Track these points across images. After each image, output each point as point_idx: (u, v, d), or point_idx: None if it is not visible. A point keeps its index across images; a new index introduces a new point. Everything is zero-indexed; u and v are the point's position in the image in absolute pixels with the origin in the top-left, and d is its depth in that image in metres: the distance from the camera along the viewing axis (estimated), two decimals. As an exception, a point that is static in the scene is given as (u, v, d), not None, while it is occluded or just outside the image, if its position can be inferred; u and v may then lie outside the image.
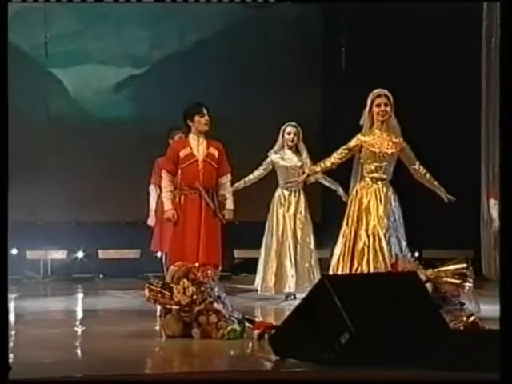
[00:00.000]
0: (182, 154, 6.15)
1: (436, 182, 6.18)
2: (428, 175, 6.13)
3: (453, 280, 4.80)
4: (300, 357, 3.85)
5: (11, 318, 5.95)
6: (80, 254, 9.83)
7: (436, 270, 4.92)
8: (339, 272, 5.66)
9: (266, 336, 4.45)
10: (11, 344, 4.54)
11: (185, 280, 4.83)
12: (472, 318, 4.62)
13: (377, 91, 5.91)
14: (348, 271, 5.63)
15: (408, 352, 3.69)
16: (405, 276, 4.54)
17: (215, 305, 4.82)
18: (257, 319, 5.27)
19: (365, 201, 5.86)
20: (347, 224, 5.88)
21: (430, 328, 3.98)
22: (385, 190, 5.91)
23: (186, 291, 4.79)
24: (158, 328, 5.10)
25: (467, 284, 4.81)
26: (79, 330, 5.39)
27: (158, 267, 7.67)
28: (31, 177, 9.40)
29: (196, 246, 6.00)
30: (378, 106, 5.85)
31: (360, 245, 5.74)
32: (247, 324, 4.87)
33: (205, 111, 6.19)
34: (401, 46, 9.68)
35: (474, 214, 10.00)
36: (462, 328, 4.52)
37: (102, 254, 9.85)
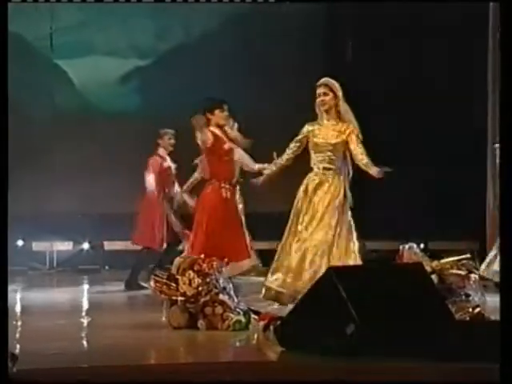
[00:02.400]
0: (226, 146, 6.31)
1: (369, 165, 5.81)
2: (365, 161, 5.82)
3: (458, 271, 4.81)
4: (305, 348, 3.85)
5: (17, 309, 5.98)
6: (86, 246, 9.85)
7: (442, 261, 4.92)
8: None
9: (272, 327, 4.46)
10: (17, 335, 4.56)
11: (190, 271, 4.84)
12: (477, 309, 4.62)
13: (319, 81, 5.92)
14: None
15: (413, 343, 3.69)
16: (410, 267, 4.54)
17: (221, 296, 4.82)
18: (262, 310, 5.28)
19: (310, 190, 5.84)
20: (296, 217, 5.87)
21: (436, 319, 3.98)
22: (330, 180, 5.84)
23: (192, 282, 4.80)
24: (163, 319, 5.11)
25: (473, 275, 4.81)
26: (85, 321, 5.41)
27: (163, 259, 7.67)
28: (37, 168, 9.42)
29: (221, 239, 6.07)
30: (318, 96, 5.88)
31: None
32: (253, 315, 4.88)
33: (225, 107, 6.39)
34: (406, 38, 9.65)
35: (480, 205, 9.98)
36: (467, 319, 4.52)
37: (108, 245, 9.87)
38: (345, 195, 5.80)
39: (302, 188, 5.88)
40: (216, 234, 6.01)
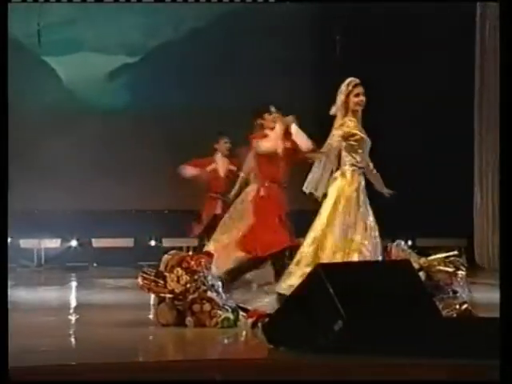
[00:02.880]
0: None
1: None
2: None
3: (446, 268, 4.83)
4: (293, 345, 3.86)
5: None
6: (74, 243, 9.83)
7: (429, 258, 4.94)
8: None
9: (260, 324, 4.47)
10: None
11: (178, 268, 4.84)
12: (465, 306, 4.65)
13: (354, 80, 5.79)
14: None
15: (401, 340, 3.71)
16: (398, 264, 4.56)
17: (209, 293, 4.82)
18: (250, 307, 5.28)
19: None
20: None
21: (424, 316, 4.00)
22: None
23: (180, 280, 4.80)
24: (151, 316, 5.11)
25: (460, 272, 4.83)
26: (73, 318, 5.40)
27: (151, 256, 7.69)
28: (25, 165, 9.40)
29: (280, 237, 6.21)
30: (357, 95, 5.77)
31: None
32: (241, 312, 4.89)
33: (273, 109, 6.43)
34: (394, 36, 9.68)
35: (467, 202, 10.03)
36: (454, 316, 4.54)
37: (96, 242, 9.85)
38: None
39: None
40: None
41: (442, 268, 4.83)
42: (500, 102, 3.86)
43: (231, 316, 4.78)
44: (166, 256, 5.04)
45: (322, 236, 5.48)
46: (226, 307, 4.83)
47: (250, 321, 4.70)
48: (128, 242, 9.91)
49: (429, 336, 3.74)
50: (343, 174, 5.62)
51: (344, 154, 5.68)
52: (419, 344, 3.67)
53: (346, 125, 5.70)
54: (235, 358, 3.96)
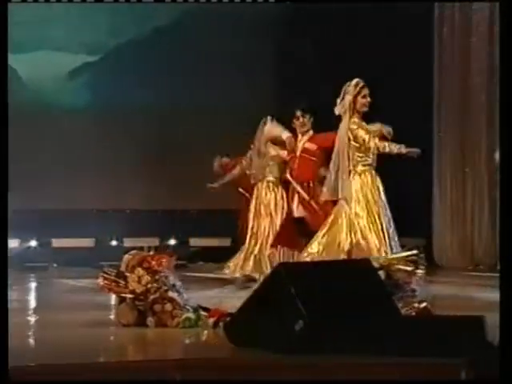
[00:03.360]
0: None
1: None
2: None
3: (405, 267, 4.88)
4: (254, 344, 3.87)
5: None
6: (33, 243, 9.73)
7: (389, 257, 4.99)
8: None
9: (221, 324, 4.47)
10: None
11: (139, 268, 4.82)
12: (423, 305, 4.70)
13: (361, 81, 5.84)
14: None
15: (361, 339, 3.74)
16: (358, 263, 4.59)
17: (170, 293, 4.81)
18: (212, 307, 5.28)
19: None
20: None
21: (383, 315, 4.04)
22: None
23: (141, 280, 4.78)
24: (112, 317, 5.08)
25: (419, 271, 4.89)
26: (33, 319, 5.35)
27: (113, 256, 7.64)
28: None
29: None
30: (365, 96, 5.81)
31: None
32: (202, 312, 4.88)
33: (299, 114, 6.68)
34: (354, 36, 9.75)
35: (426, 202, 10.15)
36: (413, 314, 4.60)
37: (56, 242, 9.76)
38: None
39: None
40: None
41: (401, 267, 4.88)
42: (500, 102, 3.91)
43: (192, 316, 4.78)
44: (126, 256, 5.01)
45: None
46: (188, 307, 4.82)
47: (211, 320, 4.70)
48: (89, 242, 9.84)
49: (388, 335, 3.78)
50: (361, 174, 5.73)
51: (357, 154, 5.77)
52: (379, 343, 3.70)
53: (364, 127, 5.80)
54: (196, 357, 3.96)
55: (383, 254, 5.55)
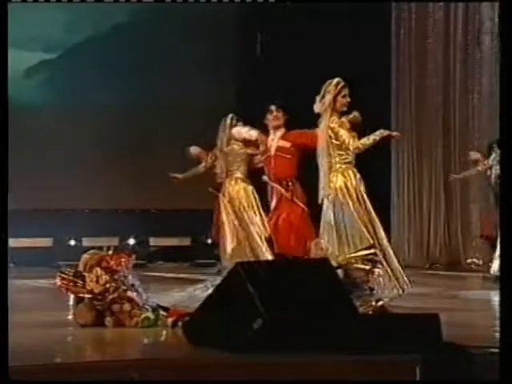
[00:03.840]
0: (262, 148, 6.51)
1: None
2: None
3: (363, 266, 4.93)
4: (213, 344, 3.87)
5: None
6: (-10, 243, 9.60)
7: (347, 256, 5.03)
8: None
9: (180, 323, 4.47)
10: None
11: (97, 268, 4.79)
12: (380, 303, 4.75)
13: (341, 81, 5.86)
14: None
15: (319, 337, 3.77)
16: (317, 262, 4.63)
17: (129, 293, 4.79)
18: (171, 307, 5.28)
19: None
20: None
21: (341, 313, 4.07)
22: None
23: (99, 279, 4.76)
24: (70, 317, 5.04)
25: (376, 270, 4.94)
26: (-12, 320, 5.27)
27: (71, 256, 7.58)
28: None
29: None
30: (344, 96, 5.83)
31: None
32: (161, 312, 4.87)
33: (273, 108, 6.49)
34: (316, 36, 9.80)
35: (385, 201, 10.25)
36: (370, 312, 4.65)
37: (14, 242, 9.63)
38: None
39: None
40: None
41: (359, 266, 4.93)
42: (500, 102, 3.96)
43: (151, 315, 4.77)
44: (84, 255, 4.98)
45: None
46: (146, 307, 4.81)
47: (170, 320, 4.69)
48: (47, 242, 9.74)
49: (346, 333, 3.81)
50: (343, 172, 5.76)
51: (338, 152, 5.79)
52: (337, 341, 3.73)
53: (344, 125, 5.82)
54: (154, 357, 3.95)
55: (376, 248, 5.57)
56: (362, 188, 5.74)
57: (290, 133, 6.53)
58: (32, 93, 9.89)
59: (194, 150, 7.42)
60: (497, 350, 3.60)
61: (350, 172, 5.76)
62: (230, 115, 7.07)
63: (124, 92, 9.78)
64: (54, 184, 9.60)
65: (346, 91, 5.80)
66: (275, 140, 6.48)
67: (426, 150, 9.94)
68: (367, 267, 4.91)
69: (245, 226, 6.74)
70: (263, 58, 10.24)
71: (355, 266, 4.94)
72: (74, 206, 10.00)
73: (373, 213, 5.64)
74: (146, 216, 10.14)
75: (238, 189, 6.92)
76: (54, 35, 9.95)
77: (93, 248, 6.10)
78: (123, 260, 4.92)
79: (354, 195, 5.64)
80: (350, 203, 5.55)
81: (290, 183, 6.37)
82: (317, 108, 5.82)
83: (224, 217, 6.88)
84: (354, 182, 5.71)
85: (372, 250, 5.03)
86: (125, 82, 9.82)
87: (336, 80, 5.79)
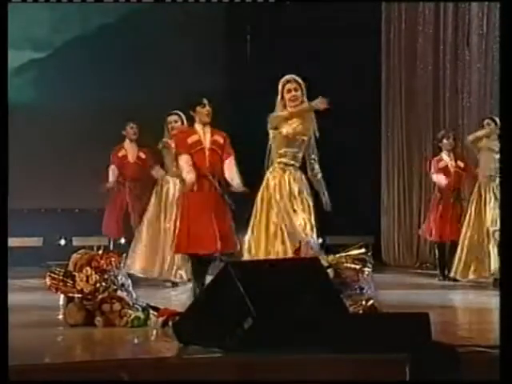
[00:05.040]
0: (189, 140, 6.20)
1: (323, 187, 5.99)
2: (319, 176, 5.99)
3: (353, 265, 4.93)
4: (203, 343, 3.88)
5: None
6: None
7: (337, 255, 5.04)
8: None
9: (170, 323, 4.47)
10: None
11: (88, 268, 4.79)
12: (370, 302, 4.76)
13: (287, 77, 5.86)
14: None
15: (310, 336, 3.77)
16: (307, 262, 4.63)
17: (119, 292, 4.79)
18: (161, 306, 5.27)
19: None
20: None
21: (331, 312, 4.08)
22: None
23: (89, 279, 4.75)
24: (61, 317, 5.03)
25: (366, 269, 4.95)
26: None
27: (61, 255, 7.56)
28: None
29: (213, 232, 6.01)
30: (289, 91, 5.80)
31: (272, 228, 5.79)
32: (151, 311, 4.87)
33: (205, 101, 6.30)
34: (306, 35, 9.81)
35: (375, 201, 10.28)
36: (360, 312, 4.66)
37: (3, 242, 9.60)
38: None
39: None
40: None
41: (349, 265, 4.94)
42: (500, 102, 3.98)
43: (141, 315, 4.76)
44: (74, 255, 4.97)
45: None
46: (137, 306, 4.81)
47: (160, 320, 4.69)
48: (36, 242, 9.71)
49: (336, 332, 3.82)
50: (286, 170, 5.77)
51: (284, 149, 5.81)
52: (327, 340, 3.74)
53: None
54: (145, 357, 3.95)
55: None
56: (304, 186, 5.77)
57: (218, 130, 6.34)
58: (21, 92, 9.86)
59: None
60: (483, 349, 3.63)
61: (293, 170, 5.78)
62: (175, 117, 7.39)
63: (112, 91, 9.75)
64: (44, 183, 9.57)
65: (289, 86, 5.80)
66: (208, 134, 6.25)
67: (416, 150, 9.97)
68: (357, 267, 4.92)
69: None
70: (252, 58, 10.24)
71: (345, 265, 4.95)
72: (63, 205, 9.98)
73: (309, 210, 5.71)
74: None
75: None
76: (43, 34, 9.93)
77: (83, 247, 6.11)
78: (113, 259, 4.92)
79: (296, 191, 5.67)
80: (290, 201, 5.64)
81: (221, 180, 6.20)
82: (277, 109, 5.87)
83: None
84: (297, 180, 5.76)
85: (363, 250, 5.05)
86: (113, 81, 9.80)
87: (283, 78, 5.83)
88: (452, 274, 7.78)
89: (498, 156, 7.36)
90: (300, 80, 5.84)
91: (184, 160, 6.12)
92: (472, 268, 7.59)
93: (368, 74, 9.84)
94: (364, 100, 9.77)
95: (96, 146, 9.38)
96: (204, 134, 6.24)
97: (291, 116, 5.81)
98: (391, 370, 3.53)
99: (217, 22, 10.33)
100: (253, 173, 6.21)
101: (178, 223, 6.31)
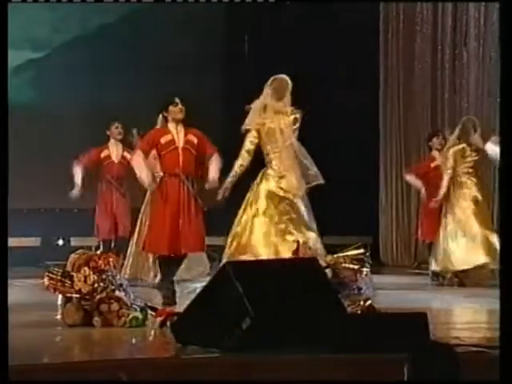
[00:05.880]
0: (163, 140, 6.15)
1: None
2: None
3: (351, 265, 4.94)
4: (202, 343, 3.88)
5: None
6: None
7: (335, 255, 5.04)
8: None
9: (168, 323, 4.47)
10: None
11: (86, 268, 4.79)
12: (368, 302, 4.77)
13: (277, 77, 6.00)
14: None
15: (308, 336, 3.78)
16: (305, 262, 4.63)
17: (117, 293, 4.79)
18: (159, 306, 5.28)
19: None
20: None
21: (330, 312, 4.08)
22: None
23: (87, 279, 4.75)
24: (59, 317, 5.03)
25: (364, 269, 4.96)
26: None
27: (59, 255, 7.56)
28: None
29: (177, 233, 5.98)
30: (271, 89, 5.96)
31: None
32: (149, 311, 4.87)
33: (177, 100, 6.24)
34: (303, 37, 9.81)
35: (373, 201, 10.28)
36: (358, 312, 4.66)
37: (1, 242, 9.59)
38: None
39: None
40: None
41: (347, 265, 4.94)
42: (500, 102, 3.99)
43: (139, 315, 4.76)
44: (73, 255, 4.97)
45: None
46: (135, 306, 4.80)
47: (158, 320, 4.69)
48: (34, 242, 9.70)
49: (335, 332, 3.82)
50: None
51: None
52: (325, 340, 3.74)
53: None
54: (143, 357, 3.95)
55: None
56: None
57: (191, 129, 6.26)
58: (19, 91, 9.85)
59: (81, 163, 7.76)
60: (480, 349, 3.64)
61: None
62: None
63: (111, 91, 9.75)
64: (42, 183, 9.56)
65: (274, 84, 6.01)
66: (182, 133, 6.18)
67: (414, 151, 9.98)
68: (356, 267, 4.92)
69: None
70: (250, 58, 10.24)
71: (343, 265, 4.95)
72: (62, 205, 9.97)
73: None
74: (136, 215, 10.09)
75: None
76: (42, 34, 9.92)
77: (81, 248, 6.11)
78: (111, 260, 4.92)
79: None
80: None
81: (194, 180, 6.16)
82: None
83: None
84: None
85: (361, 250, 5.06)
86: (111, 81, 9.80)
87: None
88: (433, 268, 7.80)
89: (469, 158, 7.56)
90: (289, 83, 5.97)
91: (134, 160, 6.22)
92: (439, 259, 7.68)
93: (366, 74, 9.84)
94: (362, 100, 9.77)
95: (94, 146, 9.36)
96: (177, 134, 6.18)
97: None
98: (389, 370, 3.53)
99: (214, 22, 10.33)
100: (250, 170, 6.23)
101: (147, 222, 6.33)
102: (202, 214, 6.17)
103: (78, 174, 8.07)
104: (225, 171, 6.41)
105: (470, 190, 7.61)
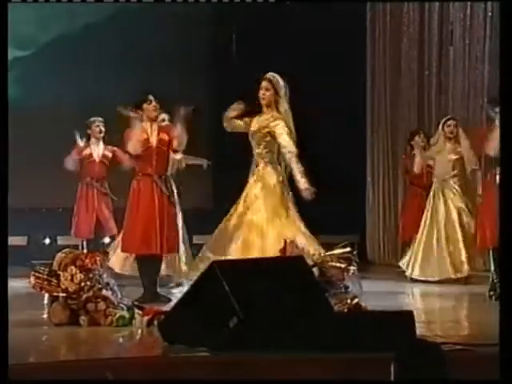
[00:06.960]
0: (138, 139, 6.12)
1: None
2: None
3: (338, 264, 4.95)
4: (189, 342, 3.87)
5: None
6: None
7: (322, 254, 5.06)
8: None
9: (156, 322, 4.46)
10: None
11: (72, 267, 4.78)
12: (355, 301, 4.78)
13: (265, 75, 5.98)
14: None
15: (295, 335, 3.78)
16: (292, 260, 4.64)
17: (104, 292, 4.78)
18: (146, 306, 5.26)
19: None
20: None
21: (317, 311, 4.09)
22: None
23: (74, 278, 4.74)
24: (45, 316, 5.01)
25: (351, 268, 4.97)
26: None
27: (46, 254, 7.54)
28: None
29: (151, 234, 5.98)
30: (260, 89, 5.96)
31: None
32: (136, 310, 4.86)
33: (151, 98, 6.21)
34: (291, 37, 9.82)
35: (360, 200, 10.30)
36: (345, 310, 4.67)
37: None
38: None
39: None
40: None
41: (334, 264, 4.95)
42: (500, 102, 4.00)
43: (126, 314, 4.76)
44: (59, 254, 4.96)
45: None
46: (122, 305, 4.80)
47: (145, 319, 4.68)
48: (21, 241, 9.66)
49: (322, 331, 3.83)
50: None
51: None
52: (312, 339, 3.75)
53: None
54: (129, 356, 3.94)
55: None
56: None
57: (163, 126, 6.25)
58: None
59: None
60: (465, 348, 3.66)
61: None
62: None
63: (99, 89, 9.72)
64: (28, 182, 9.51)
65: (263, 83, 5.96)
66: (155, 132, 6.13)
67: (401, 149, 10.00)
68: (342, 265, 4.93)
69: None
70: (238, 57, 10.24)
71: (330, 264, 4.96)
72: (48, 204, 9.94)
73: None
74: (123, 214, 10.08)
75: None
76: (27, 32, 9.87)
77: (68, 247, 6.09)
78: (98, 259, 4.91)
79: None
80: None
81: (166, 180, 6.14)
82: None
83: None
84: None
85: (348, 249, 5.07)
86: (97, 79, 9.77)
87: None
88: (408, 272, 7.86)
89: (453, 157, 7.57)
90: (275, 80, 5.94)
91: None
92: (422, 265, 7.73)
93: (353, 73, 9.86)
94: (349, 99, 9.79)
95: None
96: (151, 133, 6.15)
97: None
98: (376, 369, 3.54)
99: (201, 22, 10.31)
100: (245, 172, 6.22)
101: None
102: (176, 215, 6.20)
103: (70, 162, 7.97)
104: (220, 171, 6.43)
105: (454, 195, 7.64)
